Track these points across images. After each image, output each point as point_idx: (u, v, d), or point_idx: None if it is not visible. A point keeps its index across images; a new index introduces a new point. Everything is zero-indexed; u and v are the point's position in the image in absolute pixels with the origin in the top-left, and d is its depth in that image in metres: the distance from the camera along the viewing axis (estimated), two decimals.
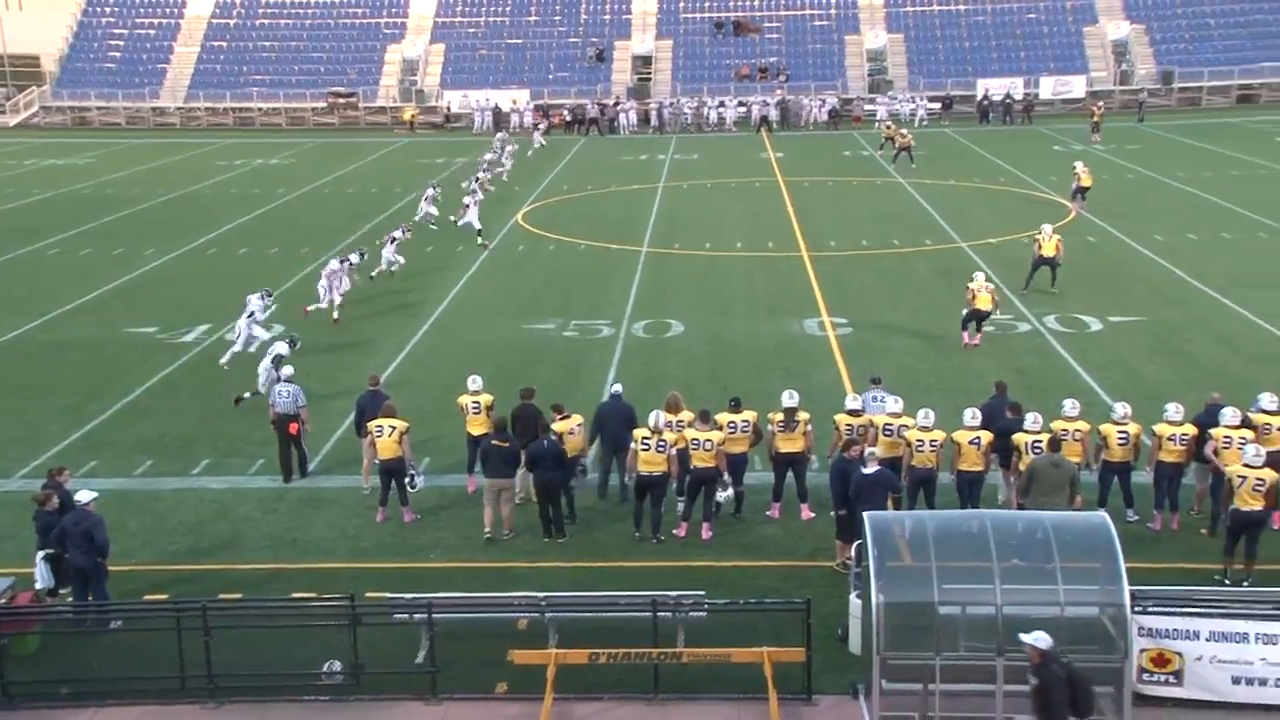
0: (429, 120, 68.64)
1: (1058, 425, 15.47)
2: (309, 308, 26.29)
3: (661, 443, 15.41)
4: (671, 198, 42.39)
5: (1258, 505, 13.82)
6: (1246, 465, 13.94)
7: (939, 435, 15.30)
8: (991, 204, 39.60)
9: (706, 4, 76.22)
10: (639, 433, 15.64)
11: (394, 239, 30.59)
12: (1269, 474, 13.79)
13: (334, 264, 27.25)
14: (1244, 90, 68.35)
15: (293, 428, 17.74)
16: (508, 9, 76.57)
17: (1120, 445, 15.45)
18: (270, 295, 24.52)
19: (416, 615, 12.64)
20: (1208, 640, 11.78)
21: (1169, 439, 15.37)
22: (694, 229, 36.04)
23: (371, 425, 16.63)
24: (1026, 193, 41.28)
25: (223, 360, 22.78)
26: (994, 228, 35.06)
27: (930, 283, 28.84)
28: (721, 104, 66.20)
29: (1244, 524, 13.95)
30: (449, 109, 69.49)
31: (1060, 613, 11.22)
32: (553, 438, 15.82)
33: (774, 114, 64.75)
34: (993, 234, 34.11)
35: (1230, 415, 15.17)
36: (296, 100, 70.78)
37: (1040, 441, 14.88)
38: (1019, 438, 15.19)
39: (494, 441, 15.87)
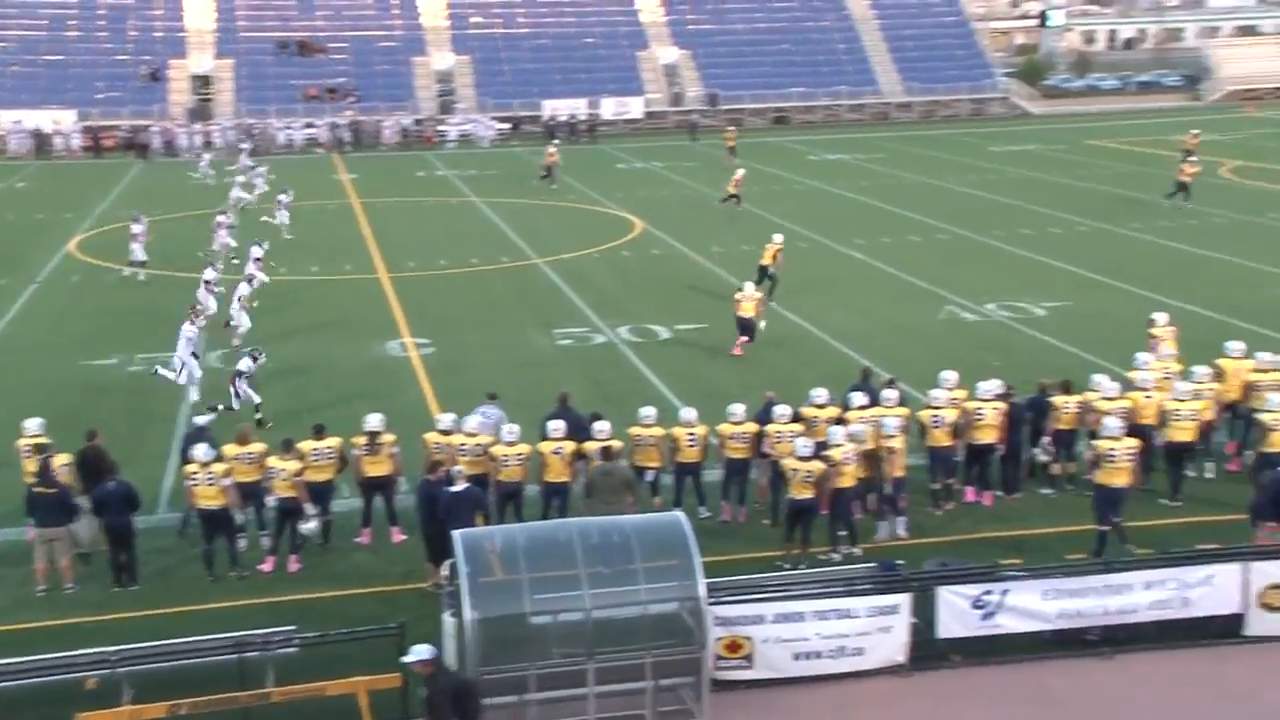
0: None
1: (634, 431, 16.13)
2: None
3: (210, 474, 14.74)
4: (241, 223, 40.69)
5: (808, 494, 14.97)
6: (798, 458, 15.08)
7: (524, 449, 15.55)
8: (563, 220, 40.85)
9: (268, 23, 73.83)
10: (189, 467, 14.96)
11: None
12: (816, 466, 14.97)
13: None
14: (779, 112, 74.41)
15: None
16: (45, 23, 70.82)
17: (690, 447, 16.32)
18: None
19: None
20: (773, 623, 12.64)
21: (731, 438, 16.40)
22: (268, 254, 34.73)
23: None
24: (595, 209, 42.88)
25: None
26: (568, 243, 36.17)
27: (509, 299, 29.34)
28: (289, 125, 64.39)
29: (796, 512, 15.09)
30: None
31: (644, 611, 11.68)
32: (121, 479, 14.76)
33: (347, 135, 63.76)
34: (567, 249, 35.18)
35: (781, 412, 16.35)
36: None
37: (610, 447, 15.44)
38: (588, 445, 15.69)
39: (36, 489, 14.62)
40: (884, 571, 13.56)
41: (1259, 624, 13.21)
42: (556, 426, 15.86)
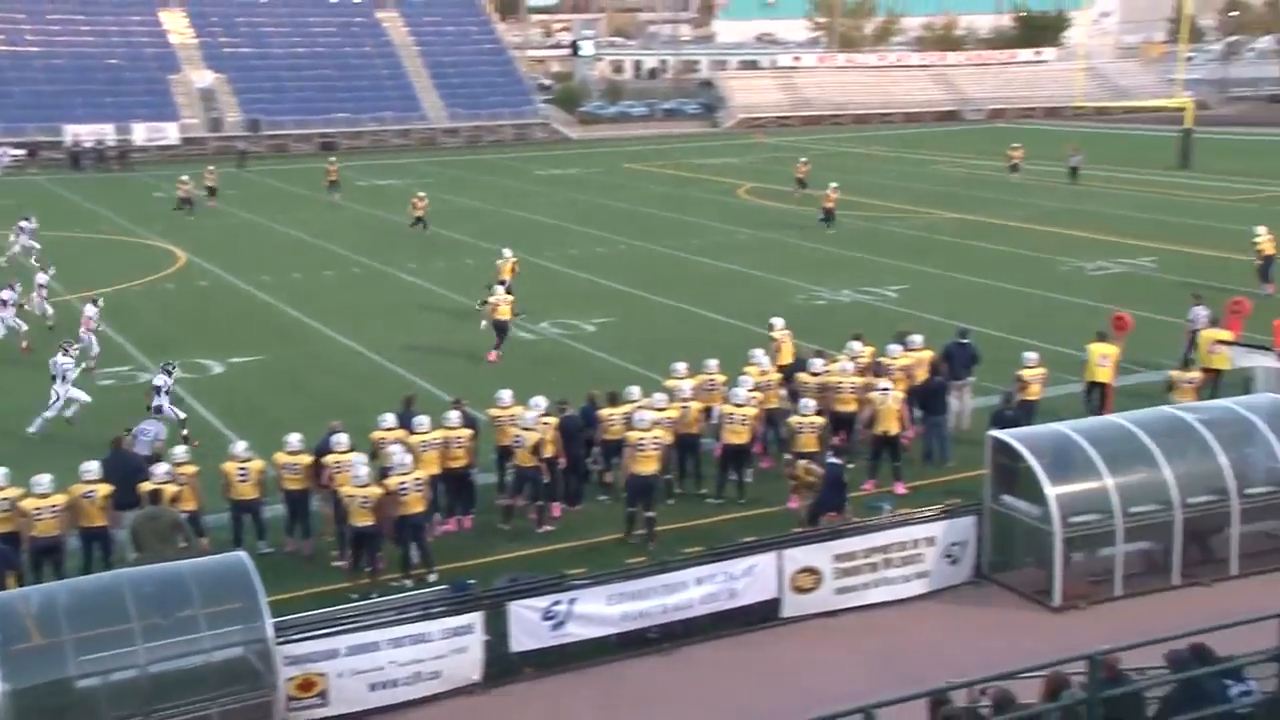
0: None
1: (187, 470, 15.23)
2: None
3: None
4: None
5: (369, 521, 14.65)
6: (354, 485, 14.76)
7: (59, 499, 14.28)
8: (98, 253, 37.95)
9: None
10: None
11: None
12: (373, 491, 14.71)
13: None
14: (325, 138, 73.09)
15: None
16: None
17: (241, 482, 15.61)
18: None
19: None
20: (347, 655, 12.31)
21: (284, 467, 15.88)
22: None
23: None
24: (132, 240, 40.14)
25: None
26: (105, 277, 33.59)
27: (42, 339, 26.78)
28: None
29: (359, 540, 14.83)
30: None
31: (208, 659, 11.03)
32: None
33: None
34: (105, 282, 32.63)
35: (338, 440, 15.87)
36: None
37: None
38: (144, 486, 14.67)
39: None
40: (456, 592, 13.55)
41: (792, 606, 14.35)
42: (88, 469, 14.70)
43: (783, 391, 19.02)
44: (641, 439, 16.22)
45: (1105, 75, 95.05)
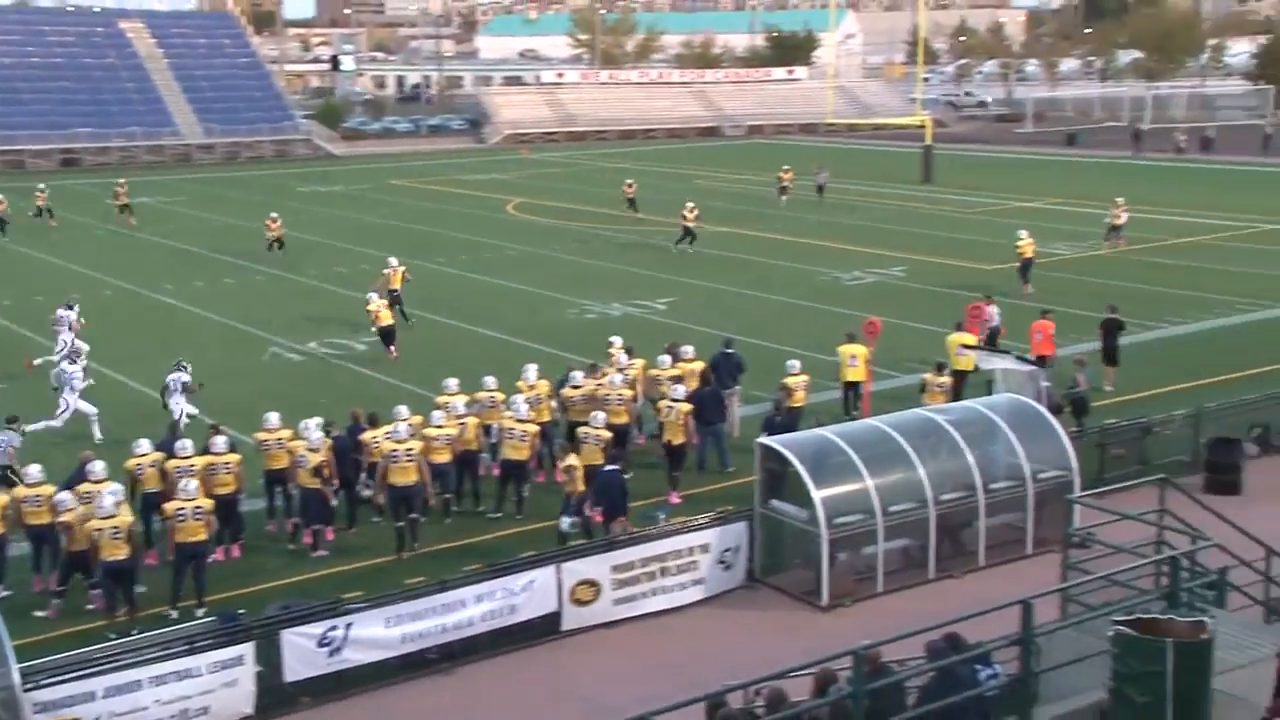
0: None
1: None
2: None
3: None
4: None
5: (121, 554, 14.00)
6: (99, 519, 14.08)
7: None
8: None
9: None
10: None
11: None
12: (123, 520, 14.09)
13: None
14: (66, 153, 69.32)
15: None
16: None
17: None
18: None
19: None
20: (105, 697, 11.65)
21: (24, 501, 14.98)
22: None
23: None
24: None
25: None
26: None
27: None
28: None
29: (112, 575, 14.08)
30: None
31: None
32: None
33: None
34: None
35: (92, 469, 15.18)
36: None
37: None
38: None
39: None
40: (225, 623, 13.03)
41: (572, 618, 14.42)
42: None
43: (553, 403, 19.13)
44: (395, 450, 16.19)
45: (853, 94, 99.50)
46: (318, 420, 16.87)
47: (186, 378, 20.59)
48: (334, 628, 12.87)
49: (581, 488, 16.08)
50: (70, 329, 24.94)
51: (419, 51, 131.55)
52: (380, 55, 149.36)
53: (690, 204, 40.75)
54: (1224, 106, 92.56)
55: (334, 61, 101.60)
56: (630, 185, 48.30)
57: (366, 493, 17.37)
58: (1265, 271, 34.92)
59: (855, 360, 21.51)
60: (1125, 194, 41.80)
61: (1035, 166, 66.61)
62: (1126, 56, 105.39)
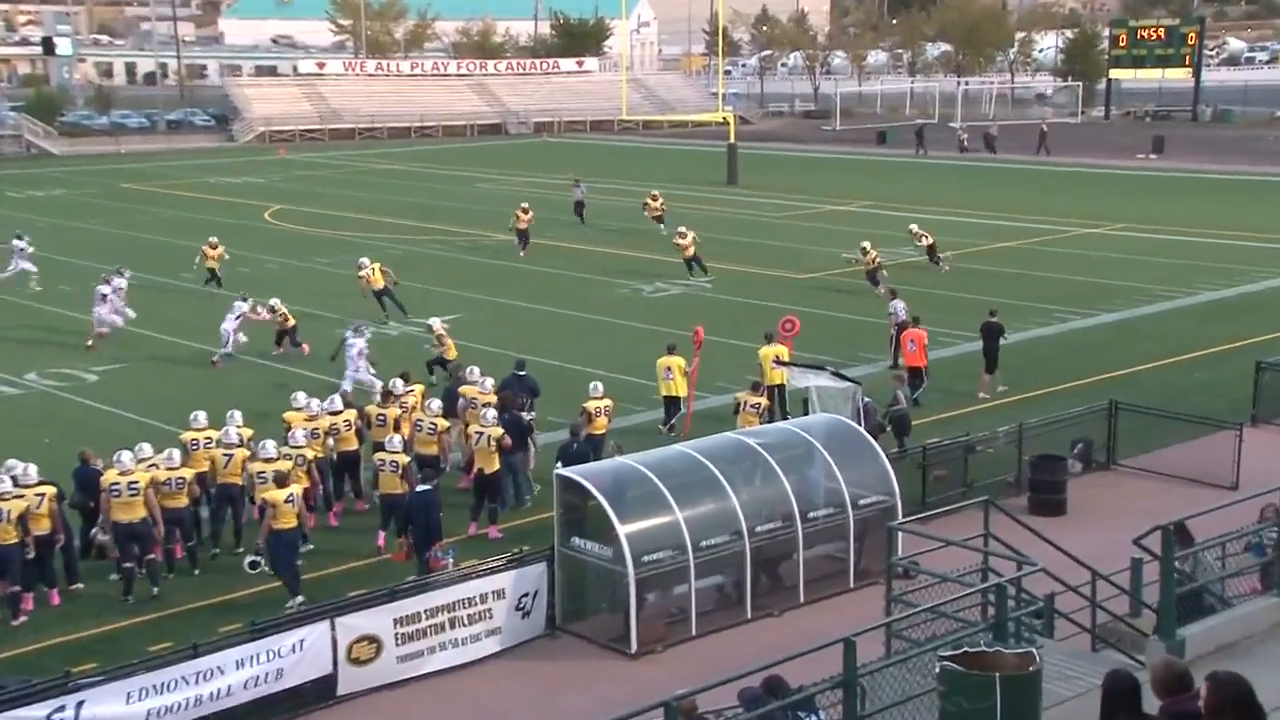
0: None
1: None
2: None
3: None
4: None
5: None
6: None
7: None
8: None
9: None
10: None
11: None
12: None
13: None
14: None
15: None
16: None
17: None
18: None
19: None
20: None
21: None
22: None
23: None
24: None
25: None
26: None
27: None
28: None
29: None
30: None
31: None
32: None
33: None
34: None
35: None
36: None
37: None
38: None
39: None
40: None
41: (349, 681, 14.09)
42: None
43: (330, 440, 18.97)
44: (116, 483, 16.04)
45: (649, 88, 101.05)
46: (14, 463, 16.19)
47: (361, 343, 23.75)
48: (62, 707, 12.22)
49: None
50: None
51: (151, 35, 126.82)
52: (104, 39, 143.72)
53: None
54: (1030, 103, 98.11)
55: (47, 44, 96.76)
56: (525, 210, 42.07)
57: (103, 538, 16.71)
58: (1067, 277, 36.55)
59: (671, 373, 21.91)
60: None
61: (845, 167, 68.89)
62: (935, 50, 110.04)
